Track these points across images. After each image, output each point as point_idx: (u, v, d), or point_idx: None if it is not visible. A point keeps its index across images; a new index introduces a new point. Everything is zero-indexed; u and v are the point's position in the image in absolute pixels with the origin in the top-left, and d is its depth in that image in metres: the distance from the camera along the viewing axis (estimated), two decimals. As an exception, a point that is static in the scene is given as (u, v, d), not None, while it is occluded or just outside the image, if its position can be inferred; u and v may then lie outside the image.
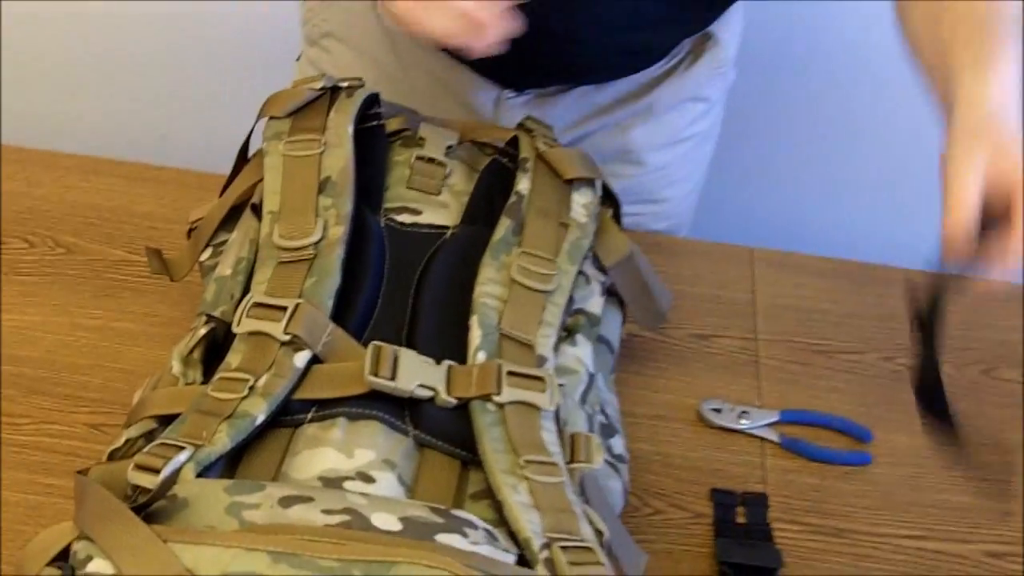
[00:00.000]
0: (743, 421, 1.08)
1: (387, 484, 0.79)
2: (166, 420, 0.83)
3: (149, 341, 1.10)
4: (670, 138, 1.31)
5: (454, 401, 0.84)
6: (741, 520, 1.00)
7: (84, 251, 1.20)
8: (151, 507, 0.72)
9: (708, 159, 1.41)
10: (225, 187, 1.05)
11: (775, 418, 1.09)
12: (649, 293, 1.03)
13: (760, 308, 1.22)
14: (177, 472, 0.75)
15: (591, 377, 0.94)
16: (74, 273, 1.19)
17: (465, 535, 0.73)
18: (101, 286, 1.17)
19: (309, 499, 0.73)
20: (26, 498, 0.95)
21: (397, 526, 0.72)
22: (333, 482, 0.78)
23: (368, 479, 0.79)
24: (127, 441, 0.83)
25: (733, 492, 1.02)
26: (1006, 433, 1.11)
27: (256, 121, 1.03)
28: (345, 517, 0.72)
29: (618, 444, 0.95)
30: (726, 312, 1.21)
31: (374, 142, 1.03)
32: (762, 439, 1.08)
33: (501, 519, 0.78)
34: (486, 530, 0.75)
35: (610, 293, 1.03)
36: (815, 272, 1.28)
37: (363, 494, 0.76)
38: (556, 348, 0.91)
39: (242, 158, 1.07)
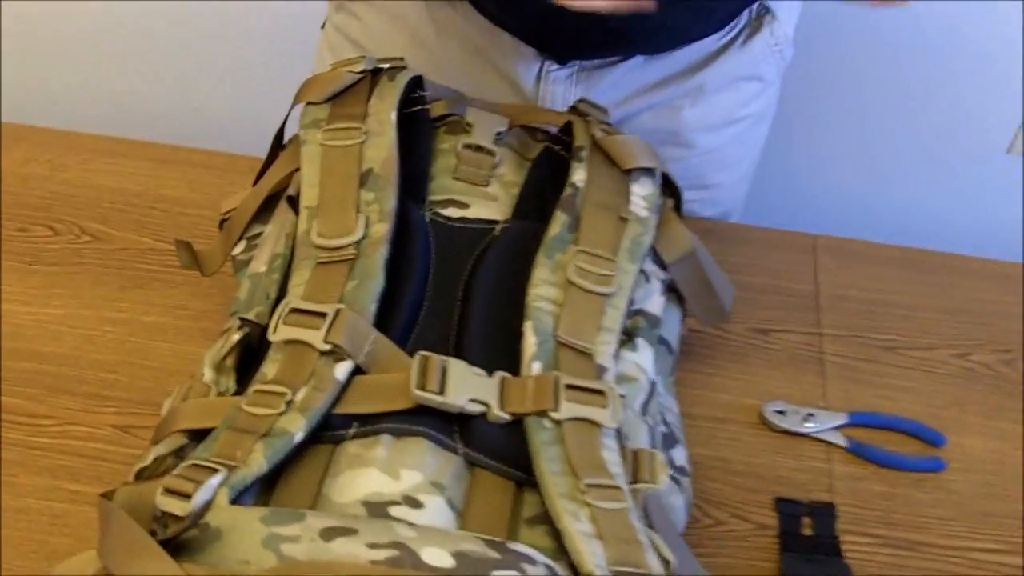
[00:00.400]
0: (808, 424, 1.03)
1: (436, 509, 0.74)
2: (197, 435, 0.79)
3: (179, 336, 1.06)
4: (722, 119, 1.24)
5: (508, 417, 0.79)
6: (807, 531, 0.95)
7: (111, 239, 1.16)
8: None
9: (762, 142, 1.34)
10: (259, 175, 1.00)
11: (843, 421, 1.04)
12: (711, 289, 0.98)
13: (823, 300, 1.17)
14: (210, 501, 0.69)
15: (652, 385, 0.89)
16: (100, 263, 1.14)
17: (523, 571, 0.67)
18: (129, 277, 1.13)
19: (353, 531, 0.68)
20: (50, 506, 0.91)
21: (449, 562, 0.66)
22: (377, 508, 0.73)
23: (415, 504, 0.74)
24: (155, 459, 0.78)
25: (799, 501, 0.97)
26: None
27: (292, 106, 0.98)
28: (393, 552, 0.66)
29: (680, 455, 0.90)
30: (787, 304, 1.16)
31: (418, 128, 0.98)
32: (828, 443, 1.02)
33: (560, 548, 0.73)
34: (546, 565, 0.69)
35: (670, 289, 0.97)
36: (881, 261, 1.23)
37: (411, 524, 0.71)
38: (616, 355, 0.86)
39: (277, 145, 1.02)
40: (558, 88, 1.17)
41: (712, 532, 0.94)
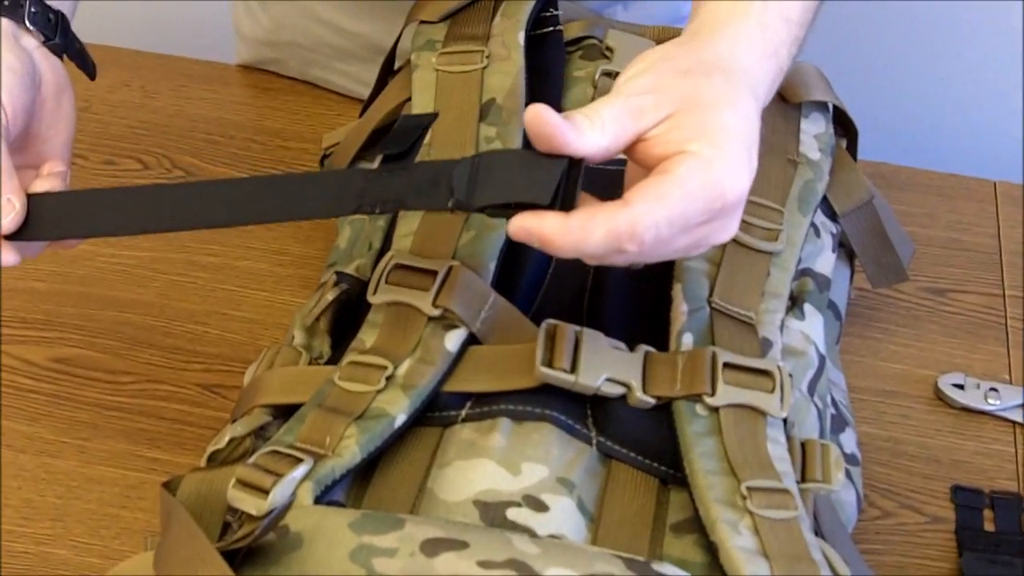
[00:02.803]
0: (991, 401, 0.96)
1: (563, 513, 0.65)
2: (283, 411, 0.72)
3: (276, 284, 1.00)
4: None
5: (652, 401, 0.70)
6: (989, 527, 0.88)
7: (205, 173, 1.10)
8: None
9: None
10: (366, 106, 0.95)
11: (1031, 397, 0.97)
12: (888, 244, 0.90)
13: (1006, 256, 1.08)
14: (289, 503, 0.61)
15: (822, 360, 0.79)
16: (192, 200, 1.07)
17: (672, 602, 0.58)
18: (222, 217, 1.05)
19: (462, 544, 0.59)
20: (125, 475, 0.86)
21: (579, 588, 0.58)
22: (493, 510, 0.65)
23: (539, 506, 0.65)
24: (231, 441, 0.71)
25: (980, 491, 0.91)
26: None
27: (404, 26, 0.92)
28: (510, 573, 0.57)
29: (850, 440, 0.82)
30: (966, 261, 1.08)
31: (548, 53, 0.88)
32: (1014, 423, 0.95)
33: (713, 562, 0.64)
34: (698, 593, 0.60)
35: (840, 245, 0.89)
36: (1074, 211, 1.14)
37: (533, 534, 0.62)
38: (782, 325, 0.77)
39: (386, 70, 0.95)
40: None
41: (879, 525, 0.88)
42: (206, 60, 1.22)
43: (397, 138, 0.67)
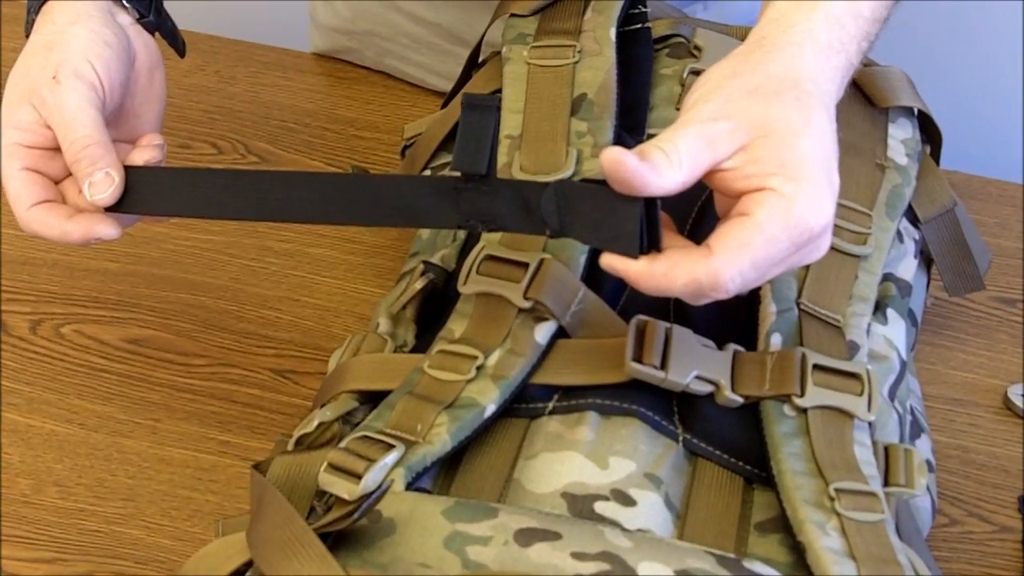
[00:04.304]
0: None
1: (650, 508, 0.64)
2: (371, 398, 0.71)
3: (349, 272, 1.00)
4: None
5: (740, 400, 0.68)
6: None
7: (278, 160, 1.09)
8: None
9: None
10: (450, 97, 0.94)
11: (1101, 408, 0.94)
12: (968, 252, 0.89)
13: None
14: (385, 490, 0.59)
15: (903, 365, 0.77)
16: (266, 187, 1.06)
17: (761, 599, 0.57)
18: (296, 204, 1.04)
19: (555, 535, 0.58)
20: (196, 457, 0.86)
21: (671, 582, 0.57)
22: (580, 502, 0.64)
23: (626, 500, 0.64)
24: (320, 425, 0.70)
25: None
26: None
27: (493, 19, 0.91)
28: (603, 566, 0.57)
29: (925, 447, 0.80)
30: None
31: (638, 50, 0.87)
32: None
33: (799, 562, 0.63)
34: (787, 591, 0.59)
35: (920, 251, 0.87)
36: None
37: (624, 529, 0.61)
38: (868, 329, 0.75)
39: (472, 63, 0.94)
40: None
41: (946, 533, 0.87)
42: (281, 47, 1.21)
43: (467, 144, 0.65)
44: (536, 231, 0.65)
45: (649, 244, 0.61)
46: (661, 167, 0.59)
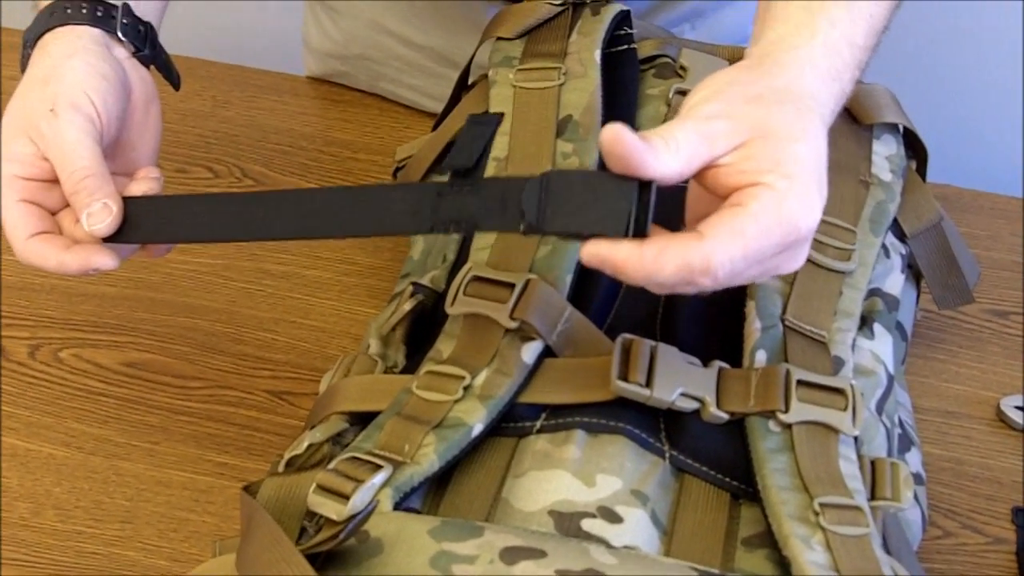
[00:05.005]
0: None
1: (637, 524, 0.65)
2: (360, 419, 0.71)
3: (344, 293, 1.00)
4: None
5: (726, 416, 0.69)
6: None
7: (274, 183, 1.10)
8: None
9: None
10: (440, 119, 0.94)
11: (1094, 420, 0.94)
12: (956, 266, 0.89)
13: None
14: (371, 510, 0.60)
15: (890, 379, 0.78)
16: (262, 210, 1.07)
17: (745, 614, 0.58)
18: (292, 226, 1.05)
19: (540, 553, 0.59)
20: (193, 479, 0.86)
21: (655, 599, 0.57)
22: (568, 520, 0.64)
23: (613, 517, 0.64)
24: (310, 447, 0.70)
25: None
26: None
27: (480, 42, 0.92)
28: None
29: (915, 459, 0.81)
30: None
31: (623, 71, 0.87)
32: None
33: None
34: (773, 606, 0.59)
35: (907, 266, 0.88)
36: None
37: (609, 545, 0.62)
38: (853, 344, 0.76)
39: (461, 85, 0.94)
40: None
41: (940, 545, 0.87)
42: (276, 71, 1.22)
43: (464, 147, 0.66)
44: (510, 227, 0.63)
45: (636, 231, 0.59)
46: (659, 149, 0.59)
